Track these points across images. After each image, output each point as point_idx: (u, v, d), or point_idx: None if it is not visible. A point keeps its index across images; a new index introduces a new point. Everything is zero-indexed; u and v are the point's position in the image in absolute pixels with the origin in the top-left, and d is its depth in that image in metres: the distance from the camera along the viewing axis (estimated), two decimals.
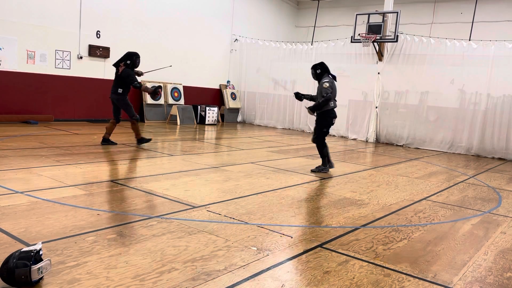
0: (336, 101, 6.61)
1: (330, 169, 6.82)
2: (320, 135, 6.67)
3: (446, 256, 3.47)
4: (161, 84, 8.38)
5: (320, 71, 6.58)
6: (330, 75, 6.59)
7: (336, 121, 13.08)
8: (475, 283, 3.00)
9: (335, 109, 6.60)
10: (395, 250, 3.52)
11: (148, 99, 12.64)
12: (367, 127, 12.55)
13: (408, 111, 11.91)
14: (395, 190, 5.92)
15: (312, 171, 6.73)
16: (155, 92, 7.89)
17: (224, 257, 3.06)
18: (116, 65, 7.76)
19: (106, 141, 7.86)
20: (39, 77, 10.49)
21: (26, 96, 10.28)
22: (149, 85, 9.16)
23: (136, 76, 7.88)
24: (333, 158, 8.43)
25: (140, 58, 7.91)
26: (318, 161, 7.88)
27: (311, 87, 13.75)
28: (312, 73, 6.70)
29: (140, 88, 7.78)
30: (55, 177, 5.04)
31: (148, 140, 8.09)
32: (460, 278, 3.06)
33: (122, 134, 9.55)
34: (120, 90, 7.65)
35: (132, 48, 12.26)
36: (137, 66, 7.84)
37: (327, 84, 6.39)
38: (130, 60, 7.65)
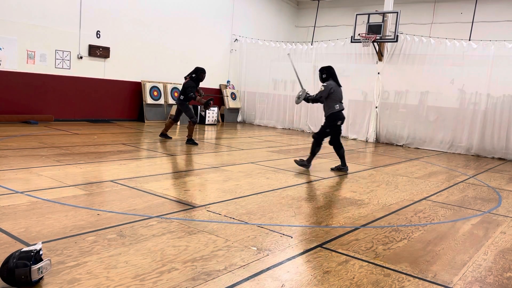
0: (342, 103, 6.80)
1: (306, 168, 7.00)
2: (320, 134, 6.85)
3: (446, 256, 3.47)
4: (213, 97, 9.21)
5: (325, 76, 6.83)
6: (334, 81, 6.79)
7: None
8: (475, 283, 3.00)
9: (342, 112, 6.81)
10: (395, 250, 3.52)
11: (148, 99, 12.65)
12: (367, 127, 12.55)
13: (408, 111, 11.91)
14: (395, 190, 5.92)
15: (296, 162, 6.91)
16: (207, 103, 8.79)
17: (224, 257, 3.06)
18: (185, 77, 8.95)
19: (163, 135, 9.22)
20: (39, 77, 10.49)
21: (26, 96, 10.28)
22: None
23: (197, 93, 8.83)
24: (333, 158, 8.44)
25: (205, 74, 8.95)
26: (319, 161, 7.88)
27: (311, 87, 13.78)
28: (319, 75, 6.94)
29: (194, 99, 8.73)
30: (55, 177, 5.04)
31: (195, 144, 8.75)
32: (460, 278, 3.06)
33: (122, 134, 9.55)
34: (182, 97, 8.80)
35: (132, 48, 12.35)
36: (201, 80, 8.86)
37: (323, 88, 6.70)
38: (195, 74, 8.77)
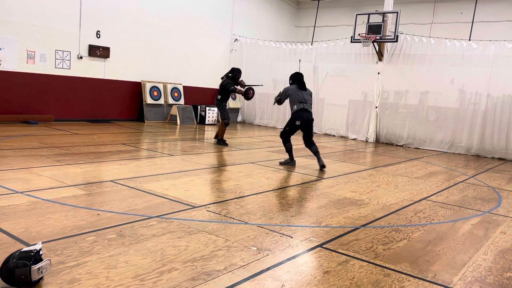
0: (300, 103, 7.17)
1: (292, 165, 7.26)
2: (283, 133, 7.31)
3: (446, 256, 3.47)
4: (251, 86, 9.22)
5: (291, 81, 7.44)
6: (299, 85, 7.24)
7: (336, 121, 13.32)
8: (475, 283, 3.00)
9: (301, 113, 7.11)
10: (395, 250, 3.52)
11: (148, 99, 12.65)
12: (367, 127, 12.55)
13: (408, 111, 11.91)
14: (395, 190, 5.92)
15: (281, 163, 7.22)
16: (246, 93, 8.91)
17: (224, 257, 3.06)
18: (222, 77, 9.18)
19: (221, 142, 9.20)
20: (39, 77, 10.49)
21: (26, 96, 10.28)
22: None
23: (237, 86, 9.07)
24: (333, 158, 8.44)
25: (241, 74, 9.23)
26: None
27: (311, 87, 13.79)
28: (289, 81, 7.59)
29: (235, 91, 8.95)
30: (55, 177, 5.04)
31: (226, 145, 9.01)
32: (460, 278, 3.07)
33: (122, 134, 9.55)
34: (219, 97, 9.08)
35: (132, 48, 12.36)
36: (237, 79, 9.06)
37: (281, 91, 7.38)
38: (231, 73, 9.05)
